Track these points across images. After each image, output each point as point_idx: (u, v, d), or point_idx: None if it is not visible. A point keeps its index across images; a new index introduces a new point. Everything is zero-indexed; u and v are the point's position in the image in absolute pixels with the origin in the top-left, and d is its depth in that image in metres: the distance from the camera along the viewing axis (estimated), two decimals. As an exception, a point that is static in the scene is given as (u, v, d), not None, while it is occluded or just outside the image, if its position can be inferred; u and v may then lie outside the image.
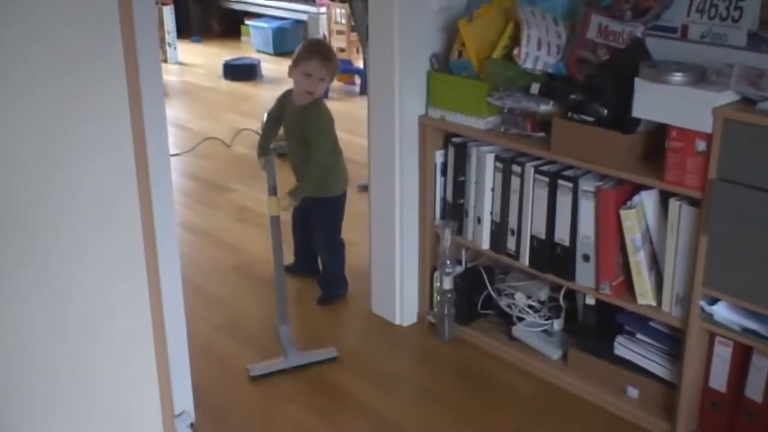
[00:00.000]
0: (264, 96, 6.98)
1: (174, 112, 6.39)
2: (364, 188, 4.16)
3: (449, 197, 3.02)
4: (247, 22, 9.12)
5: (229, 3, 9.53)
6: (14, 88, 1.81)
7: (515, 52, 2.69)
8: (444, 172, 3.04)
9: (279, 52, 8.55)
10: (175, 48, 8.30)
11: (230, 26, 9.62)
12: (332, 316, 3.37)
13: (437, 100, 2.96)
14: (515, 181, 2.76)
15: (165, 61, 8.10)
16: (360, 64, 7.42)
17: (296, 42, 8.68)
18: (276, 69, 7.99)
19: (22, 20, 1.79)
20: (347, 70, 7.26)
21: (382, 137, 3.10)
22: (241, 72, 7.51)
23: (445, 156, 3.02)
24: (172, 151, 5.31)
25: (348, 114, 6.34)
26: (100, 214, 2.03)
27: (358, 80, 7.21)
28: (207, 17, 9.86)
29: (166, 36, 8.15)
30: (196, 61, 8.37)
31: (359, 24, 5.04)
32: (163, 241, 2.29)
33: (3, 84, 1.79)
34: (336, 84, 7.22)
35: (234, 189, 4.75)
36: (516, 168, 2.75)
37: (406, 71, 2.96)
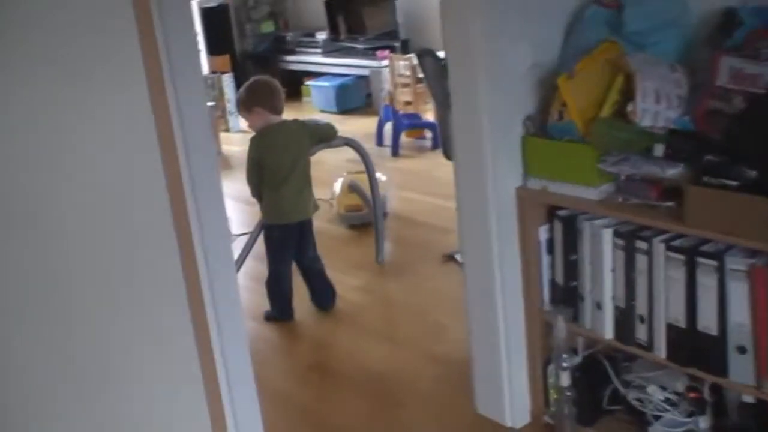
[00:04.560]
0: (331, 160, 6.64)
1: (237, 186, 6.10)
2: (449, 258, 3.78)
3: (559, 279, 2.60)
4: (306, 82, 8.89)
5: (288, 64, 9.33)
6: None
7: (629, 108, 2.28)
8: (550, 250, 2.62)
9: (343, 109, 8.28)
10: (236, 116, 8.08)
11: (291, 88, 9.37)
12: (432, 418, 2.95)
13: (537, 168, 2.56)
14: (641, 260, 2.33)
15: (227, 130, 7.90)
16: (429, 117, 7.08)
17: (359, 98, 8.41)
18: (341, 129, 7.67)
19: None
20: (416, 125, 6.92)
21: (474, 212, 2.71)
22: (306, 135, 7.22)
23: (551, 231, 2.61)
24: (235, 230, 5.02)
25: (420, 172, 5.98)
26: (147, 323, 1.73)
27: (428, 134, 6.85)
28: (267, 81, 9.67)
29: (227, 105, 7.95)
30: (258, 127, 8.13)
31: (432, 82, 4.66)
32: (230, 339, 1.94)
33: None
34: (405, 140, 6.87)
35: (308, 270, 4.39)
36: (641, 244, 2.32)
37: (497, 137, 2.57)
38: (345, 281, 4.17)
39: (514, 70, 2.54)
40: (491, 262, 2.70)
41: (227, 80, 7.96)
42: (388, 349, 3.38)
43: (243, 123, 8.23)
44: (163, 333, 1.87)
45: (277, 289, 3.86)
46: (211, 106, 7.57)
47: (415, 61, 6.47)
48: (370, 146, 6.88)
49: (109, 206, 1.75)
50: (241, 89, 3.92)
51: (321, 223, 5.09)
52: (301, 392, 3.20)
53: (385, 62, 7.97)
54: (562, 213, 2.54)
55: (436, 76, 4.10)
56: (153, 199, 1.81)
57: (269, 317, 3.86)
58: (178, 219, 1.83)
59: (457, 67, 2.62)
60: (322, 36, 9.01)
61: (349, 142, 4.09)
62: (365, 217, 4.86)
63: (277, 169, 3.70)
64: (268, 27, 9.87)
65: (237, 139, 7.76)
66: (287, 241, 3.81)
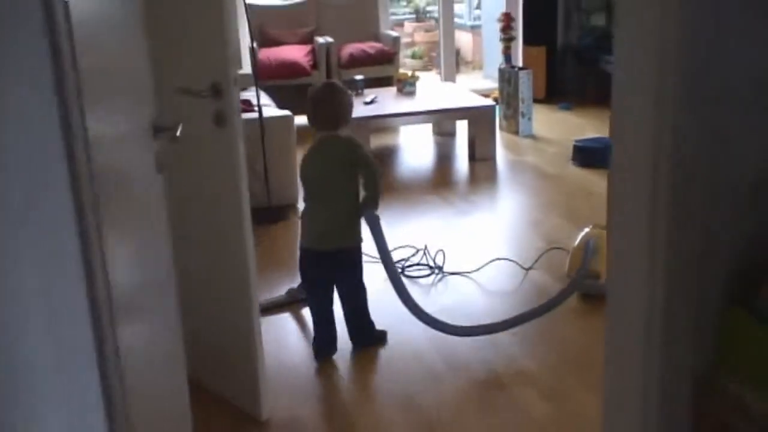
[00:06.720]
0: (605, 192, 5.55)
1: (484, 216, 5.27)
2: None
3: None
4: (622, 90, 7.71)
5: (609, 66, 8.18)
6: None
7: None
8: (743, 498, 1.52)
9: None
10: (529, 119, 7.17)
11: (607, 92, 8.24)
12: None
13: (738, 360, 1.47)
14: None
15: (516, 133, 7.04)
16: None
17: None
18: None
19: None
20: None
21: (621, 405, 1.68)
22: (591, 156, 6.12)
23: (747, 470, 1.50)
24: (461, 268, 4.15)
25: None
26: None
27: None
28: (583, 81, 8.62)
29: (520, 105, 7.06)
30: (552, 134, 7.12)
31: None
32: None
33: None
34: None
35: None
36: None
37: (672, 292, 1.52)
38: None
39: (728, 188, 1.46)
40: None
41: (524, 77, 7.05)
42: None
43: (536, 125, 7.34)
44: None
45: (315, 320, 3.36)
46: (497, 106, 6.76)
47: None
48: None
49: None
50: None
51: (552, 281, 4.07)
52: None
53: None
54: (765, 452, 1.44)
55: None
56: None
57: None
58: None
59: (623, 173, 1.59)
60: (652, 37, 7.74)
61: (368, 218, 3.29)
62: (603, 288, 3.78)
63: (306, 185, 3.25)
64: (598, 20, 8.73)
65: (524, 146, 6.83)
66: (311, 268, 3.29)
